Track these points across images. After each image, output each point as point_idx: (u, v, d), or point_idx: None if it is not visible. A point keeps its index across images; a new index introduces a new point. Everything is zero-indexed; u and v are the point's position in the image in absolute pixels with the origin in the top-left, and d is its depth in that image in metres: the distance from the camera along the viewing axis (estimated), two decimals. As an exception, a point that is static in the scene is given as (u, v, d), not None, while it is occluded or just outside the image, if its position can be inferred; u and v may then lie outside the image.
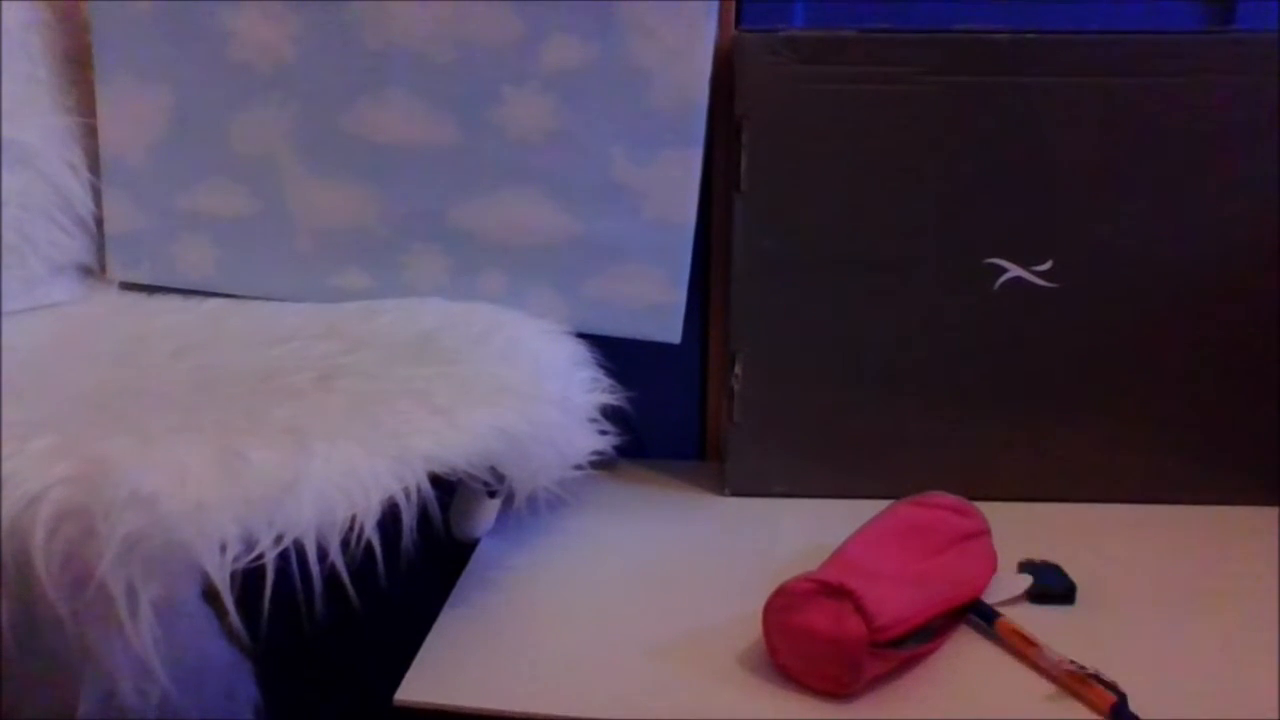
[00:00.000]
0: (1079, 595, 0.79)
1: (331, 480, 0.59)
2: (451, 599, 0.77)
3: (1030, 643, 0.72)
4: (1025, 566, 0.82)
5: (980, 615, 0.75)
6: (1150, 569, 0.83)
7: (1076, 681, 0.68)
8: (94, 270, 0.94)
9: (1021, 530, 0.88)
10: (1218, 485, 0.93)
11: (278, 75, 0.89)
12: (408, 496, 0.63)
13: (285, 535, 0.55)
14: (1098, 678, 0.68)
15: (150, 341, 0.82)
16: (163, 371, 0.75)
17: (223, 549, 0.53)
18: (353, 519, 0.60)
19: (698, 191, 0.89)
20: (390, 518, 0.63)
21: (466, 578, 0.81)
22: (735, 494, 0.96)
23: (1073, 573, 0.81)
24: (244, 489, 0.55)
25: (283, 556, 0.55)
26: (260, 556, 0.54)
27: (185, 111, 0.91)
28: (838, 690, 0.68)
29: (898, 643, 0.68)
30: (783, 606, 0.70)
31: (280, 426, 0.62)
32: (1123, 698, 0.66)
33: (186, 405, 0.66)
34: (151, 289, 0.94)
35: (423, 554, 0.67)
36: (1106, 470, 0.93)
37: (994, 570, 0.79)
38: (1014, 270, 0.91)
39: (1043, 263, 0.90)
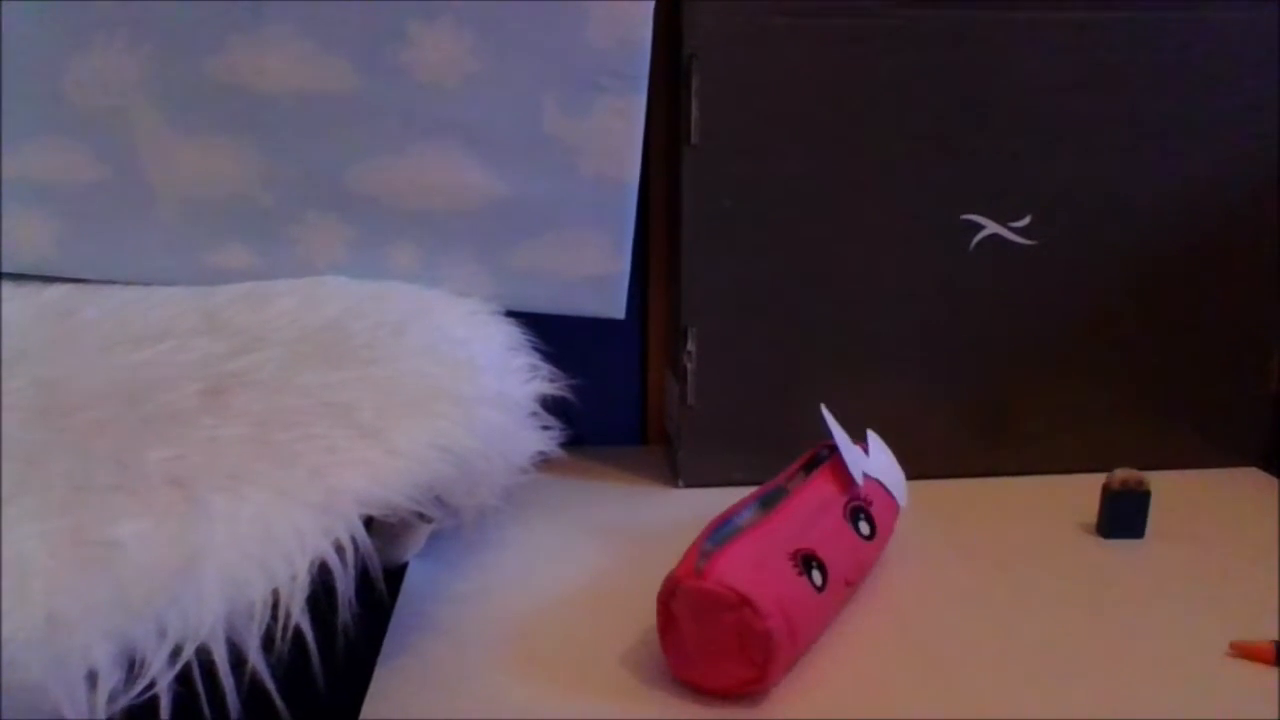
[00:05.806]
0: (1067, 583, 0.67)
1: (241, 549, 0.41)
2: (384, 652, 0.59)
3: None
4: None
5: None
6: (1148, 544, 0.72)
7: None
8: (-103, 255, 0.71)
9: (1009, 507, 0.76)
10: (1202, 449, 0.83)
11: (123, 9, 0.68)
12: (341, 554, 0.45)
13: (185, 643, 0.37)
14: None
15: (-26, 347, 0.61)
16: (-9, 392, 0.54)
17: (92, 682, 0.34)
18: (275, 597, 0.41)
19: (641, 145, 0.72)
20: (320, 586, 0.45)
21: (398, 620, 0.63)
22: (690, 485, 0.81)
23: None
24: (118, 584, 0.36)
25: (183, 674, 0.37)
26: (152, 684, 0.36)
27: (6, 53, 0.69)
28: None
29: None
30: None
31: (161, 475, 0.43)
32: None
33: (23, 450, 0.45)
34: (-25, 276, 0.73)
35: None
36: (1089, 441, 0.82)
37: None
38: (991, 227, 0.77)
39: (1021, 219, 0.77)
